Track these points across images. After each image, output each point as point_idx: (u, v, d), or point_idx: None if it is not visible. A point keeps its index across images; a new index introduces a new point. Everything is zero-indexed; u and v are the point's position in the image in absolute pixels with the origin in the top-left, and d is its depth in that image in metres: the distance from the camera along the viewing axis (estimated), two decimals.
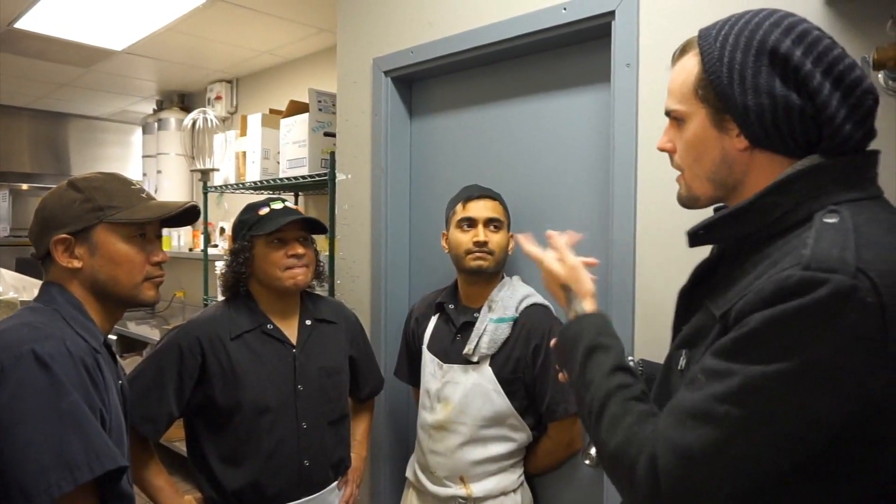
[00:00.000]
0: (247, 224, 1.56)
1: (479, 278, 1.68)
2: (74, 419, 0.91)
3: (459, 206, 1.68)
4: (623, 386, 0.84)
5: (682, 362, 0.83)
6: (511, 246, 1.72)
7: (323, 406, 1.59)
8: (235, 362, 1.49)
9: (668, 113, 0.87)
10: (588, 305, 1.00)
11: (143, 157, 4.77)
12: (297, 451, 1.53)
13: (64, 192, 1.10)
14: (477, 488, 1.61)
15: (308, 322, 1.63)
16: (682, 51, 0.86)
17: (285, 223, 1.51)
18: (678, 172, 0.90)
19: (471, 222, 1.66)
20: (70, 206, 1.07)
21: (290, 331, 1.60)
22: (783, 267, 0.69)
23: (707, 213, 0.88)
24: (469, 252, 1.64)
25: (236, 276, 1.56)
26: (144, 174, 4.70)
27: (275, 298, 1.59)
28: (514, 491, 1.64)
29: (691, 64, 0.82)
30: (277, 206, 1.57)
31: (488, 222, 1.65)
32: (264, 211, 1.55)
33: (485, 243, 1.63)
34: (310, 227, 1.60)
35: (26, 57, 3.66)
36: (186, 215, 1.19)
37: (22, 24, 3.09)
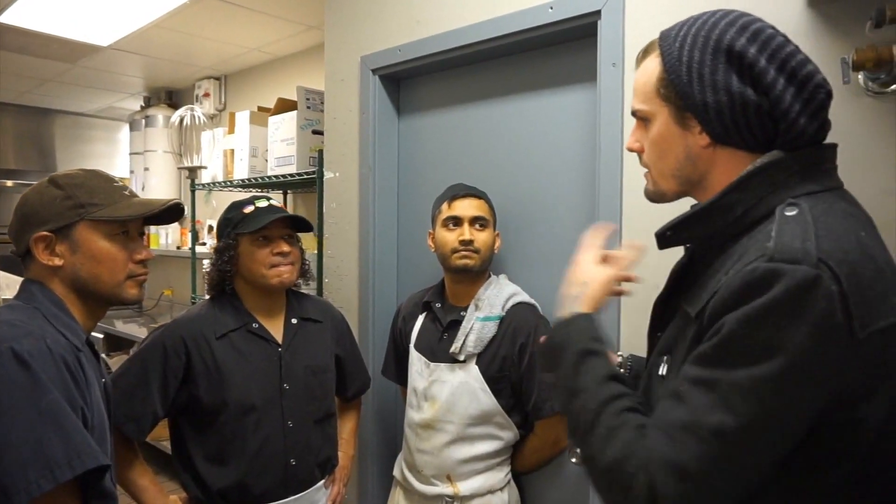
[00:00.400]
0: (232, 222, 1.55)
1: (466, 277, 1.68)
2: (54, 417, 0.90)
3: (445, 205, 1.68)
4: (618, 396, 0.81)
5: (664, 368, 0.84)
6: (497, 244, 1.72)
7: (309, 405, 1.58)
8: (220, 361, 1.48)
9: (634, 113, 0.90)
10: (584, 307, 0.96)
11: (131, 154, 4.72)
12: (283, 450, 1.52)
13: (45, 188, 1.08)
14: (464, 487, 1.62)
15: (294, 321, 1.63)
16: (645, 52, 0.88)
17: (270, 221, 1.50)
18: (644, 173, 0.93)
19: (456, 221, 1.66)
20: (51, 203, 1.06)
21: (276, 329, 1.59)
22: (748, 260, 0.71)
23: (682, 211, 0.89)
24: (455, 251, 1.64)
25: (221, 274, 1.55)
26: (132, 171, 4.66)
27: (260, 297, 1.58)
28: (501, 489, 1.65)
29: (653, 65, 0.85)
30: (262, 204, 1.56)
31: (474, 221, 1.66)
32: (249, 209, 1.55)
33: (470, 242, 1.64)
34: (295, 225, 1.59)
35: (10, 52, 3.61)
36: (170, 213, 1.18)
37: (5, 18, 3.05)
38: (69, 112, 5.32)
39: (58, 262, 1.06)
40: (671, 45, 0.82)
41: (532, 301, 1.69)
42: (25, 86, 4.47)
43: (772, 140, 0.78)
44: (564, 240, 1.75)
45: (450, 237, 1.66)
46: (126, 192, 1.13)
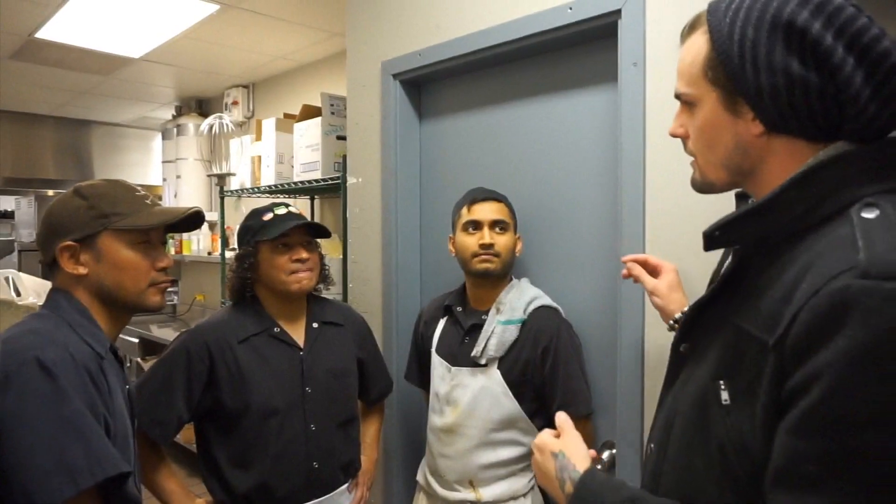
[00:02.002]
0: (251, 230, 1.58)
1: (487, 281, 1.67)
2: (77, 425, 0.92)
3: (465, 209, 1.68)
4: None
5: (725, 395, 0.72)
6: (518, 248, 1.71)
7: (331, 408, 1.60)
8: (243, 365, 1.51)
9: (678, 96, 0.81)
10: (581, 465, 0.89)
11: (163, 162, 4.84)
12: (306, 453, 1.54)
13: (69, 199, 1.11)
14: (486, 492, 1.61)
15: (315, 325, 1.64)
16: (691, 27, 0.78)
17: (289, 228, 1.52)
18: (690, 161, 0.84)
19: (476, 225, 1.65)
20: (75, 214, 1.09)
21: (298, 334, 1.61)
22: (828, 273, 0.61)
23: (721, 210, 0.83)
24: (475, 255, 1.64)
25: (242, 281, 1.57)
26: (164, 179, 4.77)
27: (281, 302, 1.60)
28: (524, 495, 1.63)
29: (700, 42, 0.76)
30: (281, 211, 1.59)
31: (494, 224, 1.65)
32: (268, 216, 1.57)
33: (491, 245, 1.63)
34: (314, 232, 1.61)
35: (47, 66, 3.73)
36: (191, 221, 1.20)
37: (42, 34, 3.15)
38: (105, 122, 5.48)
39: (82, 270, 1.08)
40: (721, 19, 0.73)
41: (554, 304, 1.67)
42: (63, 98, 4.61)
43: (836, 128, 0.69)
44: (587, 242, 1.73)
45: (470, 241, 1.65)
46: (148, 202, 1.16)
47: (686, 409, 0.78)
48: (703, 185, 0.83)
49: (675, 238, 1.42)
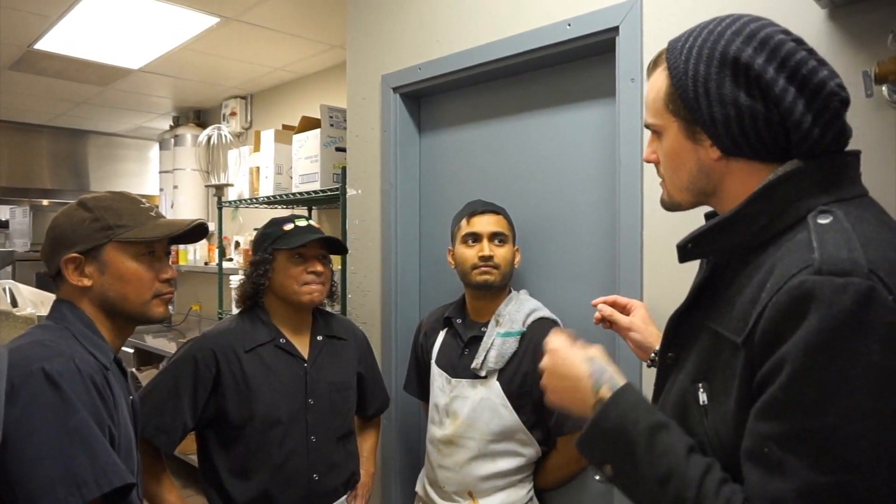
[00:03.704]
0: (270, 237, 1.59)
1: (486, 293, 1.68)
2: (82, 436, 0.93)
3: (464, 222, 1.70)
4: (707, 470, 0.72)
5: (703, 397, 0.77)
6: (517, 260, 1.72)
7: (332, 420, 1.61)
8: (249, 375, 1.51)
9: (647, 126, 0.89)
10: (619, 378, 0.85)
11: (160, 172, 4.84)
12: (307, 465, 1.54)
13: (74, 211, 1.12)
14: (485, 503, 1.61)
15: (320, 338, 1.66)
16: (654, 64, 0.87)
17: (310, 240, 1.54)
18: (659, 183, 0.92)
19: (476, 237, 1.67)
20: (80, 226, 1.10)
21: (302, 346, 1.62)
22: (787, 272, 0.67)
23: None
24: (475, 267, 1.65)
25: (255, 287, 1.58)
26: (161, 189, 4.77)
27: (288, 313, 1.62)
28: None
29: (661, 78, 0.84)
30: (302, 223, 1.61)
31: (493, 237, 1.66)
32: (289, 227, 1.59)
33: (490, 257, 1.64)
34: (330, 247, 1.64)
35: (47, 76, 3.74)
36: (195, 233, 1.21)
37: (41, 45, 3.16)
38: (102, 132, 5.48)
39: (87, 282, 1.09)
40: (677, 57, 0.81)
41: (553, 316, 1.69)
42: (61, 108, 4.61)
43: (786, 150, 0.76)
44: (586, 254, 1.75)
45: (469, 253, 1.67)
46: (152, 214, 1.17)
47: (670, 416, 0.82)
48: (670, 205, 0.91)
49: (672, 251, 1.44)
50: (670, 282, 1.46)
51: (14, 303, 2.10)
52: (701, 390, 0.78)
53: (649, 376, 1.47)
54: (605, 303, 1.28)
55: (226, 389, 1.50)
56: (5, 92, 4.09)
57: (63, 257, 1.09)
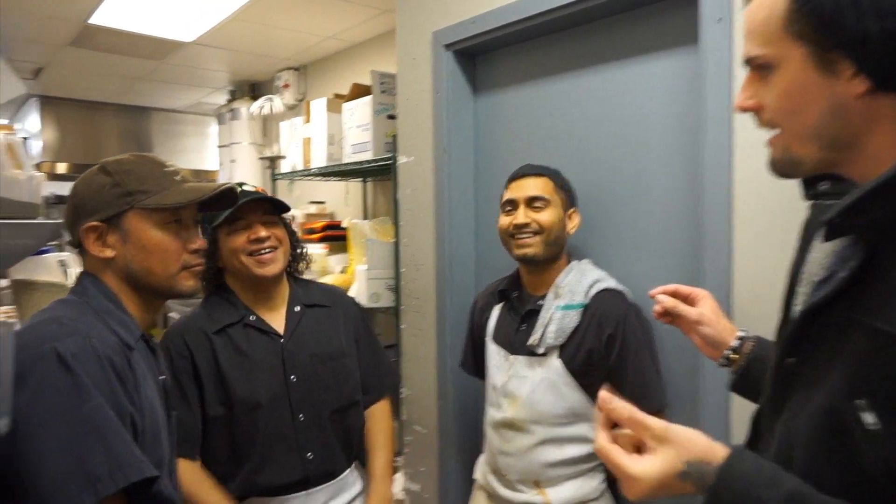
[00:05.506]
0: (206, 219, 1.48)
1: (537, 265, 1.54)
2: (96, 425, 0.85)
3: (505, 189, 1.56)
4: None
5: (870, 418, 0.59)
6: (571, 225, 1.56)
7: (320, 395, 1.51)
8: (221, 361, 1.44)
9: (748, 61, 0.68)
10: (718, 454, 0.65)
11: (219, 147, 4.87)
12: (297, 446, 1.46)
13: (94, 176, 1.04)
14: (554, 494, 1.48)
15: (297, 308, 1.55)
16: None
17: (237, 207, 1.38)
18: (772, 133, 0.69)
19: (513, 204, 1.53)
20: (100, 192, 1.02)
21: (277, 320, 1.53)
22: None
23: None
24: (511, 236, 1.52)
25: (206, 270, 1.46)
26: (220, 164, 4.80)
27: (253, 289, 1.52)
28: (596, 499, 1.49)
29: None
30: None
31: (530, 201, 1.51)
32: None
33: (525, 225, 1.49)
34: (274, 209, 1.52)
35: (102, 51, 3.78)
36: (223, 198, 1.11)
37: (95, 19, 3.18)
38: (163, 109, 5.56)
39: (109, 253, 1.01)
40: None
41: (620, 287, 1.52)
42: (120, 85, 4.69)
43: None
44: (661, 222, 1.58)
45: (505, 222, 1.53)
46: (177, 178, 1.07)
47: (809, 442, 0.64)
48: (786, 165, 0.69)
49: (768, 214, 1.26)
50: (766, 252, 1.27)
51: (67, 276, 2.11)
52: (863, 408, 0.59)
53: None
54: (664, 293, 1.05)
55: (203, 377, 1.44)
56: (70, 69, 4.17)
57: (83, 226, 1.01)
